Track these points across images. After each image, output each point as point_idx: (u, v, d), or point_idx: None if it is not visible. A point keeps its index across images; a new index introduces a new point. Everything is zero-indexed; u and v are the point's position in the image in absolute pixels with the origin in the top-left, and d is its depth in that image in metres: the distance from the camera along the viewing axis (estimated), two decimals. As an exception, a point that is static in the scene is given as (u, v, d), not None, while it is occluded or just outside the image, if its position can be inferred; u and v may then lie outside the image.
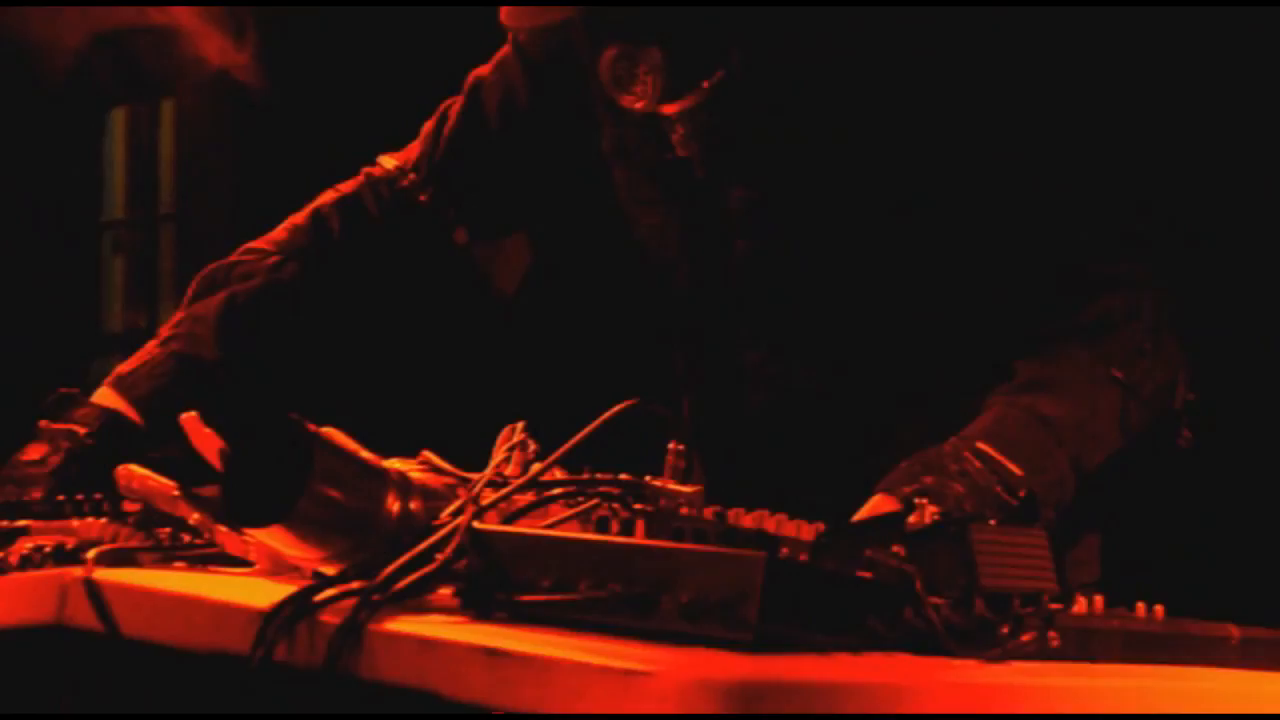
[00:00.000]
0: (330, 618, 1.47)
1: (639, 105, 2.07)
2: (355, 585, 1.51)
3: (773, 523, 1.63)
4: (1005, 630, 1.43)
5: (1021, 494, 1.85)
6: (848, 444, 2.09)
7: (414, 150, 2.34)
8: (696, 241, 2.14)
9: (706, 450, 2.19)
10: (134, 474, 1.80)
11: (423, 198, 2.30)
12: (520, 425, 1.72)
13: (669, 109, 2.08)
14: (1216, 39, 2.92)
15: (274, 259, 2.27)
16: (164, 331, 2.24)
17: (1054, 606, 1.46)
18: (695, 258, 2.15)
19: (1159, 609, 1.58)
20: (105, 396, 2.16)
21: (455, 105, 2.32)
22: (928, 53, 2.01)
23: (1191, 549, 2.91)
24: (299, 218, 2.32)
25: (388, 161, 2.33)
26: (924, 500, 1.52)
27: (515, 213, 2.34)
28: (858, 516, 1.79)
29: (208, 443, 1.78)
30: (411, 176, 2.31)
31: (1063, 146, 2.03)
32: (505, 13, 2.11)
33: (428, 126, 2.34)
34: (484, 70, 2.31)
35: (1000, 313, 2.02)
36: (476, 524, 1.53)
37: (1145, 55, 2.87)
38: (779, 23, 2.04)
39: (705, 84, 2.05)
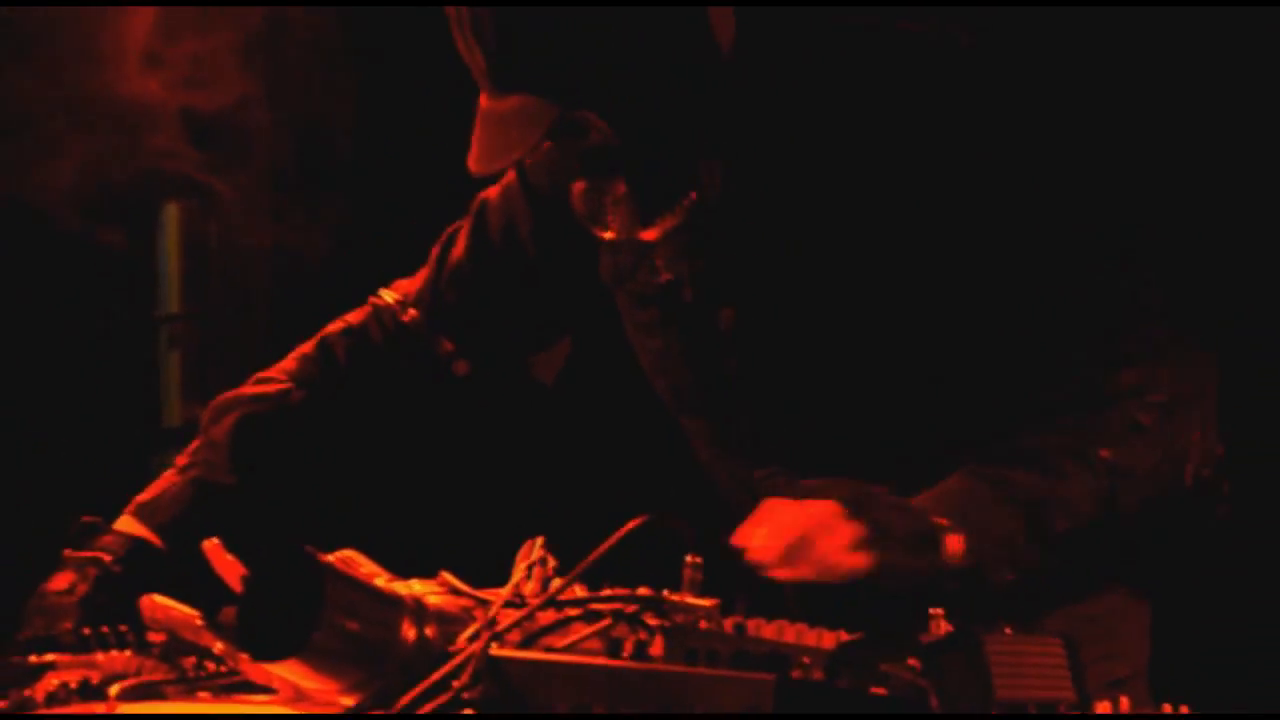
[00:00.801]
0: (347, 752, 1.47)
1: (612, 235, 2.06)
2: (373, 716, 1.51)
3: (793, 633, 1.62)
4: (1022, 741, 1.42)
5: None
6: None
7: (418, 280, 2.36)
8: (695, 363, 2.14)
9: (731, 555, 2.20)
10: (157, 605, 1.81)
11: (423, 333, 2.32)
12: (540, 541, 1.72)
13: (647, 235, 2.06)
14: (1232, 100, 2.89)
15: (283, 387, 2.30)
16: (181, 460, 2.28)
17: (1071, 715, 1.45)
18: (697, 379, 2.14)
19: (1184, 709, 1.56)
20: (128, 525, 2.18)
21: (461, 232, 2.34)
22: (902, 156, 1.99)
23: (1242, 634, 2.85)
24: (307, 347, 2.35)
25: (388, 295, 2.36)
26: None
27: (517, 345, 2.35)
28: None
29: (230, 569, 1.78)
30: (412, 313, 2.33)
31: (1063, 234, 2.00)
32: (470, 161, 2.07)
33: (433, 254, 2.36)
34: (490, 193, 2.33)
35: (1005, 403, 2.00)
36: (493, 649, 1.53)
37: (1147, 130, 2.83)
38: (745, 140, 2.04)
39: (678, 207, 2.04)
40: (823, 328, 2.04)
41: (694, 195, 2.04)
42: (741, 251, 2.07)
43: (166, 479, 2.25)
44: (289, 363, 2.34)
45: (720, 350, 2.11)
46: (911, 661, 1.44)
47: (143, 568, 2.09)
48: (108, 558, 2.09)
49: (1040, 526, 1.89)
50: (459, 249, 2.32)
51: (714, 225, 2.06)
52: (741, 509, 2.13)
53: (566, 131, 1.99)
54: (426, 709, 1.50)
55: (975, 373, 2.01)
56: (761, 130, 2.04)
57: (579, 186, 2.05)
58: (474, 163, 2.02)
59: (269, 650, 1.56)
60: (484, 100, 2.01)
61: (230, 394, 2.32)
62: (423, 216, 2.46)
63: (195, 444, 2.29)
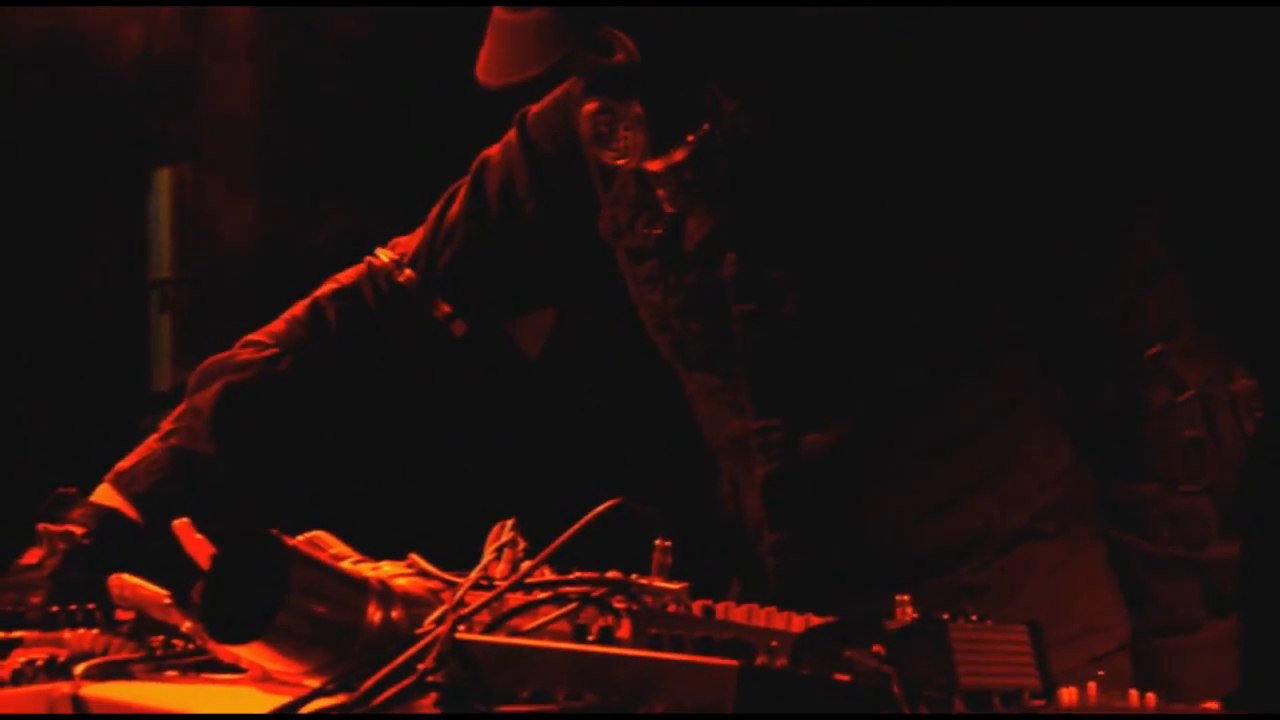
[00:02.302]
0: (310, 735, 1.47)
1: (621, 162, 2.01)
2: (336, 700, 1.50)
3: (762, 615, 1.62)
4: (986, 729, 1.41)
5: None
6: (859, 506, 2.06)
7: (415, 239, 2.32)
8: (695, 314, 2.11)
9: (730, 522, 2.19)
10: (126, 583, 1.80)
11: (419, 294, 2.29)
12: (510, 523, 1.72)
13: (653, 165, 2.01)
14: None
15: (271, 352, 2.28)
16: (165, 425, 2.26)
17: (1035, 703, 1.44)
18: (698, 330, 2.12)
19: (1151, 696, 1.56)
20: (105, 494, 2.18)
21: (460, 191, 2.31)
22: (921, 92, 1.97)
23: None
24: (298, 310, 2.32)
25: (384, 255, 2.32)
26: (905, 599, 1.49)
27: (514, 305, 2.33)
28: None
29: (200, 549, 1.78)
30: (408, 273, 2.30)
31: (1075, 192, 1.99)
32: (480, 71, 2.01)
33: (432, 213, 2.33)
34: (492, 151, 2.30)
35: (1004, 360, 2.00)
36: (459, 632, 1.52)
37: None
38: (763, 68, 2.00)
39: (690, 138, 1.99)
40: (828, 275, 2.01)
41: (706, 126, 1.98)
42: (748, 192, 2.03)
43: (148, 445, 2.24)
44: (278, 325, 2.31)
45: (722, 298, 2.08)
46: (876, 648, 1.44)
47: (115, 541, 2.08)
48: (79, 531, 2.09)
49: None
50: (456, 208, 2.29)
51: (721, 164, 2.01)
52: (736, 465, 2.13)
53: (591, 47, 1.94)
54: (390, 692, 1.49)
55: (985, 334, 2.00)
56: (782, 61, 2.00)
57: (590, 107, 1.99)
58: (484, 74, 1.97)
59: (234, 632, 1.56)
60: (500, 11, 1.96)
61: (218, 358, 2.29)
62: (420, 179, 2.44)
63: (179, 409, 2.27)
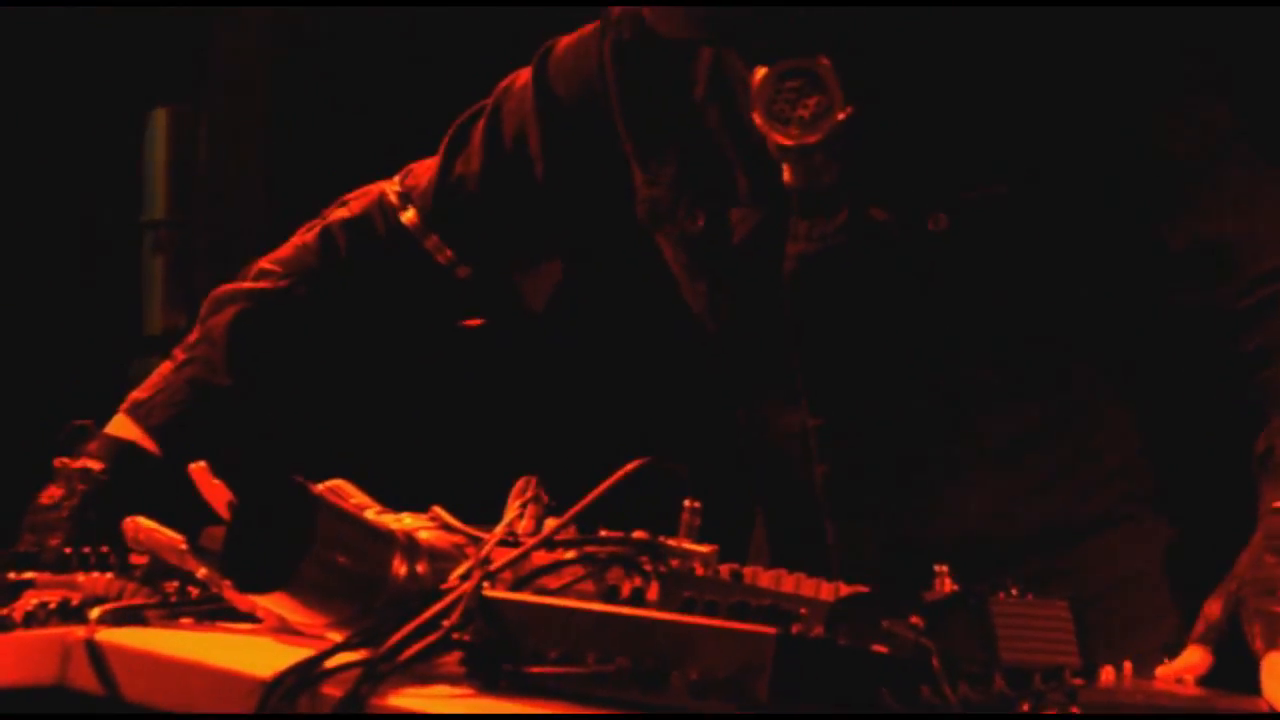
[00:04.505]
0: (333, 689, 1.43)
1: (791, 135, 1.89)
2: (360, 655, 1.47)
3: (791, 581, 1.59)
4: (1025, 707, 1.38)
5: None
6: (906, 510, 1.99)
7: (422, 175, 2.24)
8: (747, 307, 2.02)
9: (770, 516, 2.14)
10: (141, 527, 1.77)
11: (421, 235, 2.22)
12: (534, 480, 1.69)
13: (812, 138, 1.89)
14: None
15: (284, 282, 2.22)
16: (179, 354, 2.21)
17: (1076, 682, 1.41)
18: (749, 323, 2.02)
19: (1189, 678, 1.53)
20: (121, 425, 2.13)
21: (476, 128, 2.21)
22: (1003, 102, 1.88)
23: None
24: (308, 236, 2.25)
25: (391, 188, 2.24)
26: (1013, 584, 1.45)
27: (526, 258, 2.25)
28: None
29: (217, 494, 1.75)
30: (411, 213, 2.22)
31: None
32: (652, 14, 1.91)
33: (443, 144, 2.23)
34: (516, 81, 2.18)
35: (1079, 354, 1.94)
36: (485, 589, 1.49)
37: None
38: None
39: (841, 116, 1.88)
40: (895, 269, 1.92)
41: (850, 110, 1.88)
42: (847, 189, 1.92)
43: (162, 374, 2.18)
44: (287, 251, 2.25)
45: (775, 292, 1.98)
46: (914, 619, 1.41)
47: (133, 476, 2.05)
48: (97, 466, 2.05)
49: None
50: (473, 145, 2.20)
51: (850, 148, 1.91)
52: (788, 460, 2.06)
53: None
54: (415, 648, 1.46)
55: (1058, 328, 1.94)
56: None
57: (766, 71, 1.89)
58: (657, 19, 1.89)
59: (255, 581, 1.53)
60: None
61: (230, 286, 2.24)
62: (425, 116, 2.38)
63: (193, 336, 2.22)
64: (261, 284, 2.23)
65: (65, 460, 2.06)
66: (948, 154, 1.90)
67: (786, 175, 1.92)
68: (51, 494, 2.03)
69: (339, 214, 2.26)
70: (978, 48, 1.89)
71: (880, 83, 1.90)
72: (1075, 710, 1.39)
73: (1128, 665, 1.52)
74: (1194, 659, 1.62)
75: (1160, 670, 1.61)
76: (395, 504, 1.71)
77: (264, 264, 2.25)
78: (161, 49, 5.71)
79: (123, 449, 2.10)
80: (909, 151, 1.91)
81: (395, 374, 2.32)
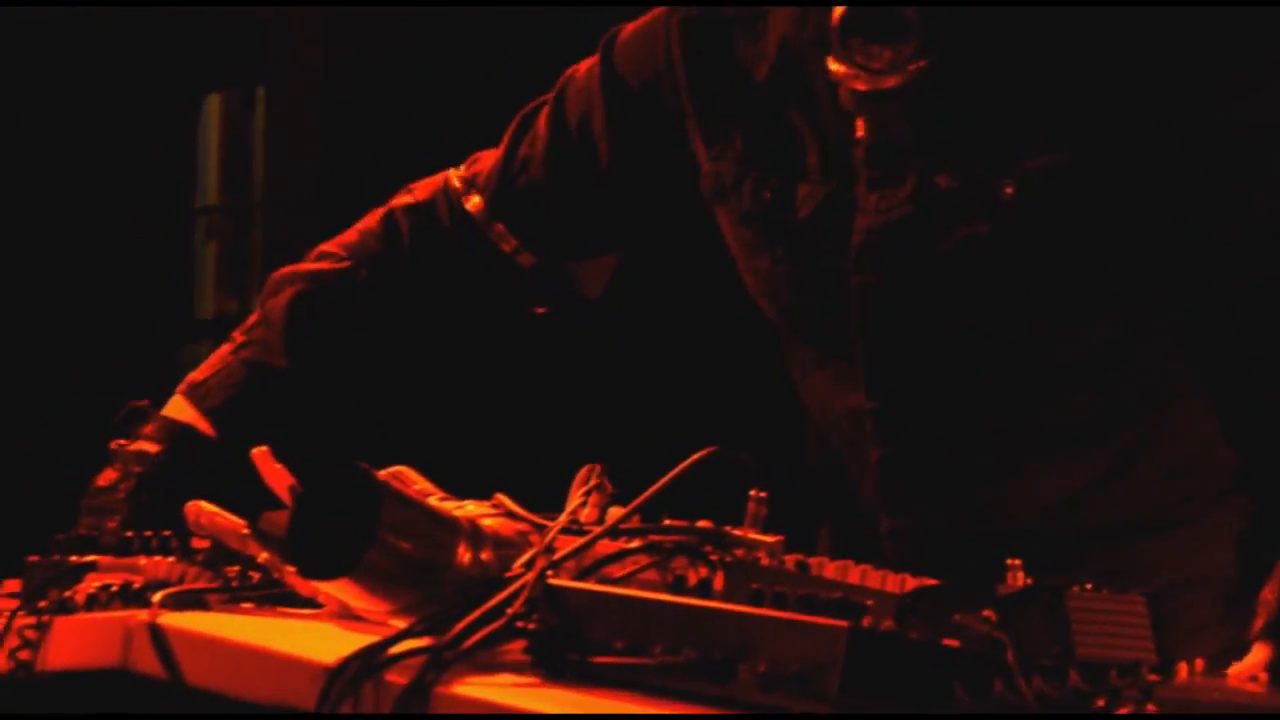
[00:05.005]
0: (397, 676, 1.42)
1: (869, 79, 1.85)
2: (424, 642, 1.46)
3: (858, 573, 1.57)
4: (1101, 703, 1.36)
5: None
6: (962, 500, 1.95)
7: (487, 162, 2.22)
8: (809, 284, 1.98)
9: (832, 504, 2.11)
10: (203, 511, 1.76)
11: (485, 222, 2.20)
12: (597, 468, 1.67)
13: (889, 82, 1.84)
14: None
15: (344, 265, 2.21)
16: (237, 336, 2.20)
17: (1153, 678, 1.39)
18: (809, 303, 1.99)
19: (1263, 676, 1.51)
20: (178, 407, 2.12)
21: (540, 113, 2.20)
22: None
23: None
24: (371, 221, 2.24)
25: (457, 175, 2.23)
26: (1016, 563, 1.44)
27: (589, 245, 2.22)
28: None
29: (278, 478, 1.73)
30: (475, 200, 2.20)
31: None
32: None
33: (509, 132, 2.21)
34: (578, 69, 2.17)
35: (1144, 347, 1.89)
36: (549, 577, 1.48)
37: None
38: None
39: (913, 67, 1.84)
40: (962, 248, 1.88)
41: (922, 62, 1.84)
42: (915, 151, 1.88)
43: (220, 357, 2.17)
44: (351, 235, 2.23)
45: (838, 269, 1.93)
46: (986, 613, 1.39)
47: (190, 459, 2.04)
48: (154, 449, 2.04)
49: None
50: (534, 133, 2.18)
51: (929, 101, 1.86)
52: (846, 444, 2.01)
53: None
54: (480, 634, 1.45)
55: (1124, 319, 1.89)
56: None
57: (841, 10, 1.85)
58: None
59: (320, 567, 1.52)
60: None
61: (290, 268, 2.23)
62: (488, 102, 2.36)
63: (253, 318, 2.21)
64: (322, 265, 2.21)
65: (122, 442, 2.05)
66: (1017, 117, 1.86)
67: (859, 129, 1.89)
68: (108, 476, 2.02)
69: (403, 200, 2.25)
70: (1060, 9, 1.86)
71: (958, 35, 1.86)
72: (1151, 708, 1.36)
73: (1199, 662, 1.49)
74: (1259, 656, 1.59)
75: (1231, 670, 1.58)
76: (455, 492, 1.70)
77: (326, 246, 2.24)
78: (216, 35, 5.73)
79: (179, 431, 2.09)
80: (979, 111, 1.87)
81: (457, 360, 2.30)
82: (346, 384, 2.22)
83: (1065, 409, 1.92)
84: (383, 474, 1.60)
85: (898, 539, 1.98)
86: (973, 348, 1.92)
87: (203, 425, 2.12)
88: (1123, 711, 1.36)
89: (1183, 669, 1.46)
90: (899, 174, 1.90)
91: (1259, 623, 1.62)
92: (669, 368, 3.55)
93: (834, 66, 1.87)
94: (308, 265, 2.22)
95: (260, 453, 1.76)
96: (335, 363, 2.21)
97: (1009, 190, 1.86)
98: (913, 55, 1.85)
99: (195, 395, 2.14)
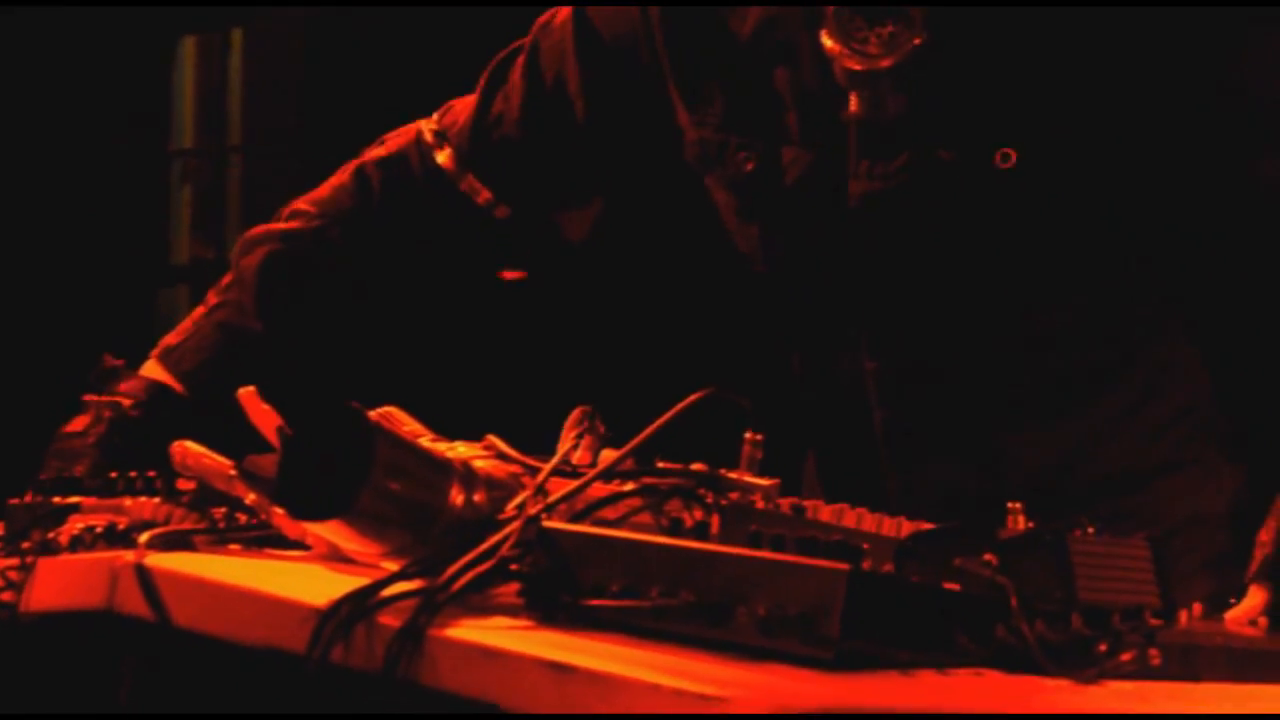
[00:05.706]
0: (389, 619, 1.40)
1: (865, 59, 1.84)
2: (417, 584, 1.44)
3: (853, 516, 1.55)
4: (1104, 648, 1.35)
5: None
6: (968, 458, 1.95)
7: (460, 113, 2.19)
8: (801, 250, 1.98)
9: (824, 462, 2.09)
10: (189, 451, 1.74)
11: (457, 175, 2.17)
12: (590, 409, 1.65)
13: (886, 62, 1.83)
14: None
15: (317, 223, 2.17)
16: (211, 298, 2.17)
17: (1155, 623, 1.37)
18: (802, 267, 1.98)
19: (1262, 620, 1.50)
20: (152, 370, 2.10)
21: (515, 68, 2.16)
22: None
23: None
24: (344, 175, 2.20)
25: (428, 126, 2.20)
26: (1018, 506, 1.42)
27: (566, 198, 2.20)
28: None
29: (265, 419, 1.71)
30: (446, 152, 2.17)
31: None
32: None
33: (481, 82, 2.18)
34: (555, 16, 2.13)
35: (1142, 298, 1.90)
36: (543, 520, 1.46)
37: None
38: None
39: (915, 42, 1.83)
40: (962, 208, 1.88)
41: (920, 40, 1.83)
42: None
43: (194, 320, 2.15)
44: (323, 191, 2.20)
45: (832, 233, 1.93)
46: (988, 557, 1.37)
47: (163, 414, 2.01)
48: (127, 402, 2.01)
49: None
50: (512, 85, 2.15)
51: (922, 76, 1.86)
52: (844, 406, 2.00)
53: None
54: (472, 577, 1.43)
55: (1121, 273, 1.89)
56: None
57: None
58: None
59: (310, 509, 1.49)
60: None
61: (262, 228, 2.19)
62: (465, 47, 2.33)
63: (226, 279, 2.18)
64: (293, 224, 2.19)
65: (94, 396, 2.03)
66: (1017, 89, 1.86)
67: (852, 104, 1.87)
68: (79, 423, 1.99)
69: (375, 153, 2.22)
70: None
71: (952, 14, 1.85)
72: (1154, 651, 1.35)
73: (1197, 607, 1.48)
74: (1256, 599, 1.58)
75: (1229, 615, 1.58)
76: (444, 435, 1.67)
77: (298, 204, 2.20)
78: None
79: (154, 390, 2.07)
80: (976, 87, 1.86)
81: (442, 306, 2.27)
82: (325, 340, 2.20)
83: (1069, 363, 1.92)
84: (373, 414, 1.57)
85: (903, 499, 1.96)
86: (972, 307, 1.91)
87: (175, 385, 2.10)
88: (1126, 657, 1.35)
89: (1182, 616, 1.45)
90: (892, 146, 1.89)
91: (1254, 565, 1.61)
92: (658, 310, 3.53)
93: (828, 44, 1.86)
94: (280, 225, 2.19)
95: (247, 393, 1.74)
96: (310, 322, 2.18)
97: (1011, 157, 1.85)
98: (911, 33, 1.83)
99: (169, 359, 2.12)
